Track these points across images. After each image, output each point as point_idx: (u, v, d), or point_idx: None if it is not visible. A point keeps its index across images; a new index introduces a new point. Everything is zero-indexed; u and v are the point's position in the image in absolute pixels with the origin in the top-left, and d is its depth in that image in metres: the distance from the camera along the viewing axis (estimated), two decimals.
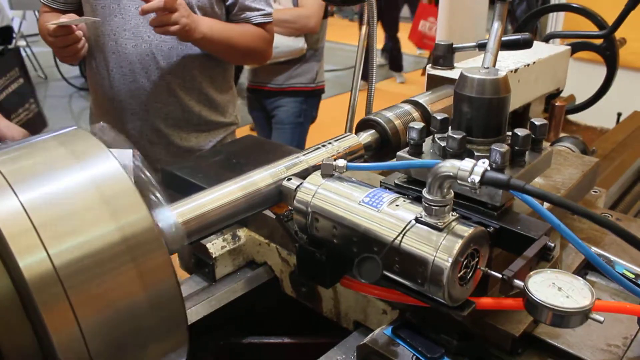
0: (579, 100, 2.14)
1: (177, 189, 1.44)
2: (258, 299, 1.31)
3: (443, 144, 0.95)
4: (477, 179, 0.72)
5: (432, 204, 0.77)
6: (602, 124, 2.43)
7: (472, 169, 0.73)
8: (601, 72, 1.98)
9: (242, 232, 1.34)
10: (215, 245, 1.30)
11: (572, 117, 2.34)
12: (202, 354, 1.26)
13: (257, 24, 2.02)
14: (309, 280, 1.17)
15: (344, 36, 11.00)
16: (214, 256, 1.29)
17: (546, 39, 1.94)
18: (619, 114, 2.49)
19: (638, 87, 3.18)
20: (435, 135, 0.99)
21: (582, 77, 2.16)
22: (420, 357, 0.93)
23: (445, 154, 0.94)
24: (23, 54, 7.91)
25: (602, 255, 1.19)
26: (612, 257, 1.18)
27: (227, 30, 1.96)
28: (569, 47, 1.75)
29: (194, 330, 1.23)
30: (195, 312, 1.22)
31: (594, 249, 1.22)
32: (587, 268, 1.16)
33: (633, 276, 1.14)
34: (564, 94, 2.34)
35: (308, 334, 1.30)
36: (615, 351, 0.92)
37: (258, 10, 2.01)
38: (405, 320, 0.99)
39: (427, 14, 8.36)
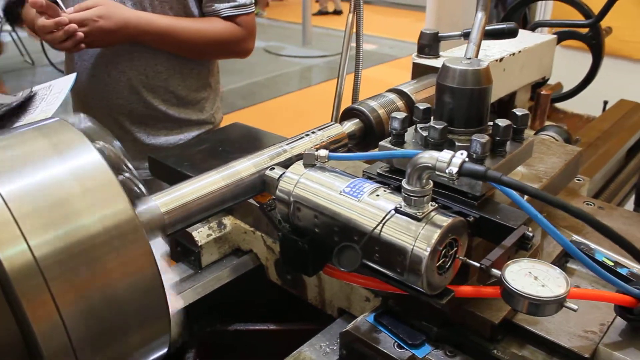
0: (567, 88, 2.15)
1: (164, 178, 1.44)
2: (244, 286, 1.32)
3: (425, 133, 0.96)
4: (454, 170, 0.73)
5: (411, 194, 0.78)
6: (588, 112, 2.43)
7: (450, 160, 0.74)
8: (589, 60, 1.99)
9: (228, 220, 1.35)
10: (201, 234, 1.31)
11: (559, 105, 2.34)
12: (188, 341, 1.27)
13: (227, 17, 1.94)
14: (292, 269, 1.18)
15: (332, 22, 11.02)
16: (199, 244, 1.30)
17: (532, 28, 1.94)
18: (606, 102, 2.50)
19: (624, 75, 3.19)
20: (418, 125, 1.00)
21: (571, 65, 2.17)
22: (402, 344, 0.94)
23: (427, 144, 0.95)
24: (9, 38, 7.86)
25: (582, 244, 1.21)
26: (593, 245, 1.20)
27: (175, 27, 1.88)
28: (554, 36, 1.77)
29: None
30: (181, 300, 1.23)
31: (575, 237, 1.24)
32: (567, 256, 1.18)
33: (612, 264, 1.15)
34: (551, 82, 2.36)
35: (293, 320, 1.32)
36: (592, 337, 0.93)
37: (228, 1, 1.92)
38: (388, 308, 1.01)
39: None
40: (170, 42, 1.90)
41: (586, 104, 2.40)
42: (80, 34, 1.72)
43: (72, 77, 1.66)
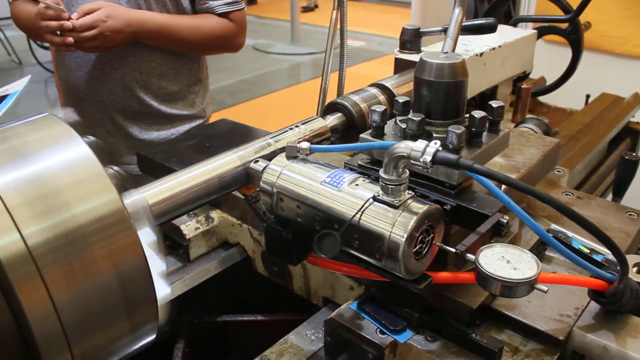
0: (551, 82, 2.19)
1: (152, 173, 1.47)
2: (232, 278, 1.35)
3: (404, 125, 0.99)
4: (428, 158, 0.77)
5: (388, 183, 0.82)
6: (571, 105, 2.47)
7: (424, 149, 0.77)
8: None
9: (215, 214, 1.38)
10: (189, 227, 1.33)
11: (542, 99, 2.38)
12: (177, 332, 1.30)
13: (221, 14, 2.00)
14: (276, 258, 1.21)
15: (321, 19, 11.02)
16: (187, 237, 1.32)
17: (514, 23, 1.98)
18: (588, 96, 2.54)
19: (606, 69, 3.25)
20: (397, 118, 1.03)
21: (554, 60, 2.21)
22: (384, 329, 0.97)
23: (405, 136, 0.98)
24: None
25: (560, 232, 1.25)
26: (570, 233, 1.24)
27: (173, 24, 1.93)
28: (535, 31, 1.81)
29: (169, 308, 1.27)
30: (170, 292, 1.26)
31: (553, 225, 1.27)
32: (544, 244, 1.22)
33: (588, 251, 1.19)
34: (535, 76, 2.40)
35: (280, 311, 1.35)
36: (567, 321, 0.97)
37: None
38: (370, 295, 1.04)
39: None
40: (169, 39, 1.94)
41: (569, 98, 2.44)
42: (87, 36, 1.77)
43: (25, 80, 1.69)
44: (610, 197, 2.14)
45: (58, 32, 1.75)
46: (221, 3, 1.98)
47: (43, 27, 1.75)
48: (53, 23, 1.73)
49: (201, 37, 1.99)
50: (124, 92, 1.99)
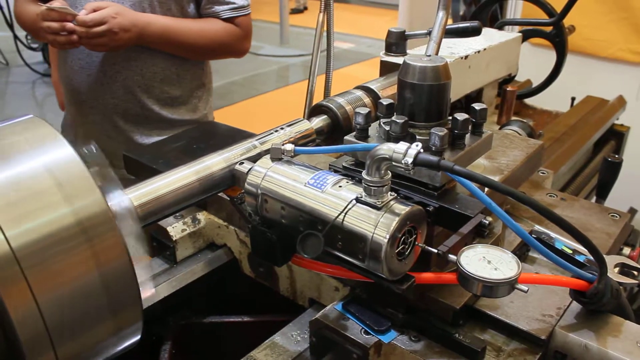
0: (536, 85, 2.21)
1: (139, 175, 1.47)
2: (218, 279, 1.36)
3: (387, 128, 1.00)
4: (410, 160, 0.78)
5: (371, 184, 0.83)
6: (557, 108, 2.50)
7: (406, 151, 0.78)
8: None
9: (202, 216, 1.38)
10: (176, 229, 1.34)
11: (528, 101, 2.41)
12: (164, 333, 1.30)
13: (226, 19, 1.99)
14: (261, 260, 1.22)
15: (310, 21, 11.04)
16: (174, 239, 1.33)
17: (499, 27, 2.00)
18: (573, 98, 2.57)
19: (591, 72, 3.28)
20: (381, 120, 1.04)
21: (540, 63, 2.23)
22: (368, 330, 0.98)
23: (389, 138, 0.99)
24: None
25: (543, 233, 1.27)
26: (553, 234, 1.26)
27: (177, 28, 1.93)
28: (520, 34, 1.82)
29: (156, 310, 1.27)
30: (156, 293, 1.26)
31: (537, 227, 1.29)
32: (527, 245, 1.23)
33: (571, 252, 1.21)
34: (521, 79, 2.42)
35: (267, 312, 1.35)
36: (549, 320, 0.99)
37: (227, 3, 1.98)
38: (355, 296, 1.05)
39: None
40: (174, 42, 1.94)
41: (555, 101, 2.47)
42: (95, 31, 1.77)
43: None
44: (595, 199, 2.16)
45: (64, 33, 1.75)
46: (227, 8, 1.98)
47: (44, 27, 1.75)
48: (54, 24, 1.73)
49: (206, 42, 1.99)
50: (125, 96, 1.98)
